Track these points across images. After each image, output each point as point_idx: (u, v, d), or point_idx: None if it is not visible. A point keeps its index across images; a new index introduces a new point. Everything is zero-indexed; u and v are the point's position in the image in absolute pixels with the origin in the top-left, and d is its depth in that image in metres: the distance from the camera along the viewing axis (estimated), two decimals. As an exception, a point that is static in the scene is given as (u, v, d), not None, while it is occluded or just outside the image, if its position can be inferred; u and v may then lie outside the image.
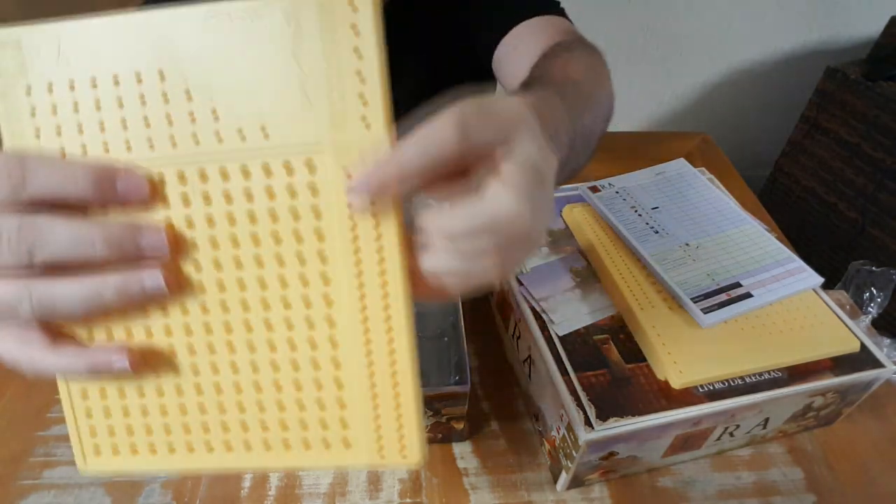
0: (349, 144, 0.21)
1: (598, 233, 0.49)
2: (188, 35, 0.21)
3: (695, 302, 0.41)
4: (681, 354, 0.39)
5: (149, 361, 0.23)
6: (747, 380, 0.38)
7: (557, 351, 0.39)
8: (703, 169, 0.57)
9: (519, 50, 0.51)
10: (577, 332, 0.41)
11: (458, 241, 0.21)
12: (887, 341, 0.46)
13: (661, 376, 0.38)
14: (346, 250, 0.22)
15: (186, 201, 0.22)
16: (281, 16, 0.20)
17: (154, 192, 0.22)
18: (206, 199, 0.22)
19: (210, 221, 0.22)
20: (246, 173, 0.21)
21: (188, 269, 0.22)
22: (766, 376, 0.38)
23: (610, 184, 0.54)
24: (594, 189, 0.53)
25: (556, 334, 0.40)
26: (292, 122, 0.21)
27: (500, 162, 0.20)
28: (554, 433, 0.39)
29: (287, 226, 0.22)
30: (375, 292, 0.22)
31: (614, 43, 1.37)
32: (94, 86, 0.21)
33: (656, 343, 0.39)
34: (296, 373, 0.23)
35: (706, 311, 0.41)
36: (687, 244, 0.47)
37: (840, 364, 0.39)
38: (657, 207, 0.51)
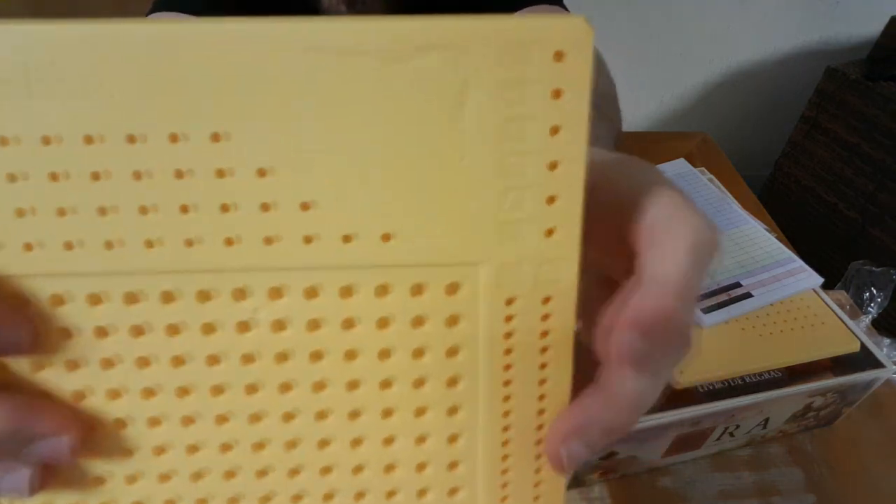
0: (519, 263, 0.14)
1: (598, 233, 0.49)
2: (271, 71, 0.12)
3: (695, 302, 0.41)
4: (681, 354, 0.39)
5: None
6: (747, 380, 0.38)
7: (557, 351, 0.39)
8: (703, 169, 0.57)
9: None
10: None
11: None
12: (887, 341, 0.46)
13: (661, 376, 0.38)
14: (489, 407, 0.15)
15: (244, 328, 0.14)
16: (437, 63, 0.12)
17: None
18: (278, 326, 0.15)
19: (282, 358, 0.15)
20: (347, 294, 0.14)
21: (236, 422, 0.15)
22: (766, 376, 0.38)
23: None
24: (594, 189, 0.53)
25: (556, 334, 0.40)
26: (433, 226, 0.14)
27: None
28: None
29: (404, 367, 0.15)
30: (525, 470, 0.16)
31: (614, 43, 1.37)
32: (90, 142, 0.13)
33: (656, 343, 0.39)
34: None
35: (706, 311, 0.41)
36: (687, 244, 0.47)
37: (840, 364, 0.39)
38: (657, 207, 0.51)
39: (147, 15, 0.45)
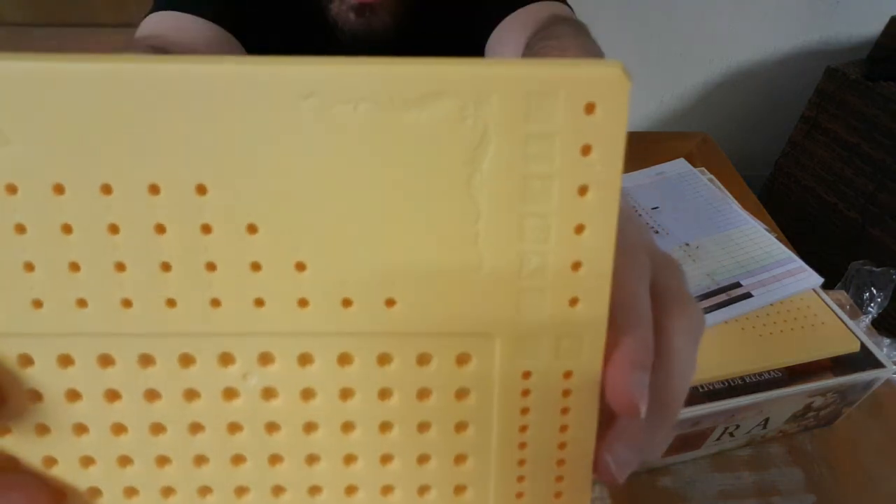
0: (539, 335, 0.13)
1: (598, 233, 0.49)
2: (263, 118, 0.11)
3: (695, 302, 0.41)
4: (681, 354, 0.39)
5: None
6: (747, 380, 0.38)
7: (557, 351, 0.39)
8: (703, 169, 0.57)
9: (503, 41, 0.49)
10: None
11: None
12: (887, 341, 0.46)
13: (661, 376, 0.38)
14: (501, 485, 0.14)
15: (231, 395, 0.13)
16: (453, 112, 0.11)
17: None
18: (269, 394, 0.13)
19: (272, 428, 0.14)
20: (346, 362, 0.13)
21: (219, 495, 0.14)
22: (766, 376, 0.38)
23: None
24: (594, 189, 0.53)
25: (556, 334, 0.40)
26: (444, 293, 0.13)
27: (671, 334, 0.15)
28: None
29: (406, 440, 0.14)
30: None
31: (614, 43, 1.37)
32: (60, 191, 0.12)
33: (656, 343, 0.39)
34: None
35: (706, 311, 0.41)
36: (687, 244, 0.47)
37: (840, 364, 0.39)
38: (657, 207, 0.51)
39: (149, 14, 0.45)
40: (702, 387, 0.37)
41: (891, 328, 0.49)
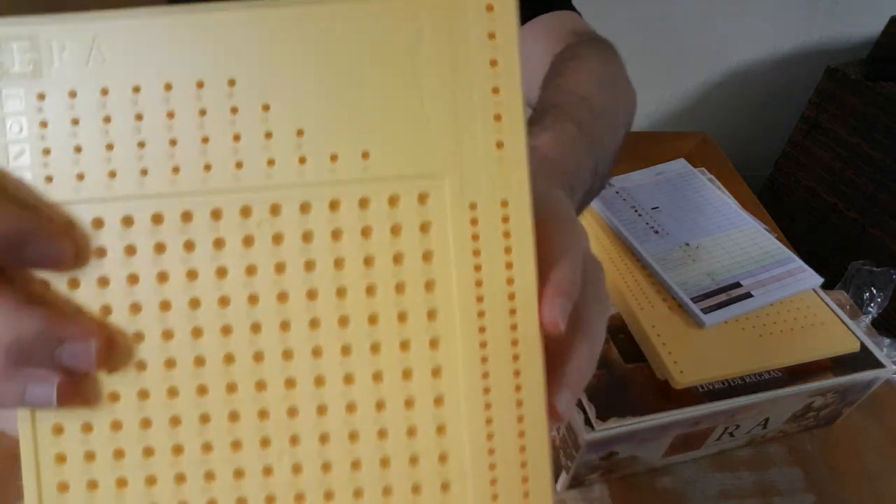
0: (476, 173, 0.17)
1: (597, 233, 0.49)
2: (273, 40, 0.17)
3: (695, 302, 0.41)
4: (681, 354, 0.39)
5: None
6: (747, 380, 0.38)
7: (557, 351, 0.39)
8: (703, 169, 0.57)
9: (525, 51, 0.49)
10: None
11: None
12: (887, 341, 0.46)
13: (661, 376, 0.38)
14: (464, 308, 0.17)
15: (249, 242, 0.17)
16: (397, 20, 0.17)
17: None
18: (277, 239, 0.17)
19: (280, 268, 0.17)
20: (335, 207, 0.17)
21: (238, 333, 0.17)
22: (766, 376, 0.38)
23: (610, 184, 0.54)
24: (594, 189, 0.53)
25: (556, 334, 0.40)
26: (404, 146, 0.17)
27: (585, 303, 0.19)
28: (553, 433, 0.39)
29: (386, 272, 0.17)
30: (502, 356, 0.17)
31: (614, 43, 1.37)
32: (137, 91, 0.17)
33: (656, 343, 0.39)
34: (384, 470, 0.17)
35: (706, 311, 0.41)
36: (687, 244, 0.47)
37: (840, 364, 0.39)
38: (657, 207, 0.51)
39: None
40: (702, 387, 0.37)
41: (891, 328, 0.49)
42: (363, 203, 0.17)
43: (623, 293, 0.43)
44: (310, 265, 0.17)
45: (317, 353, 0.17)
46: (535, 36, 0.48)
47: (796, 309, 0.42)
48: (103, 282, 0.17)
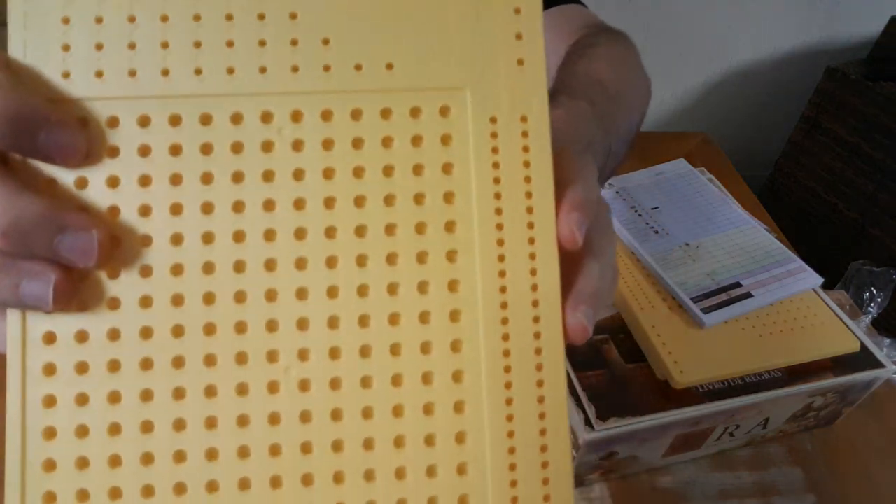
0: (497, 88, 0.17)
1: (598, 233, 0.49)
2: None
3: (695, 302, 0.41)
4: (681, 354, 0.39)
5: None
6: (747, 380, 0.38)
7: (557, 351, 0.39)
8: (703, 169, 0.57)
9: None
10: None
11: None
12: (887, 341, 0.46)
13: (661, 376, 0.38)
14: (483, 221, 0.17)
15: (268, 147, 0.17)
16: None
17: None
18: (297, 145, 0.17)
19: (299, 175, 0.17)
20: (357, 116, 0.17)
21: (251, 239, 0.17)
22: (766, 376, 0.38)
23: (610, 184, 0.54)
24: (594, 189, 0.53)
25: (556, 334, 0.40)
26: (428, 59, 0.17)
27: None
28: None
29: (405, 183, 0.17)
30: (520, 268, 0.17)
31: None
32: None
33: (656, 343, 0.39)
34: (397, 408, 0.17)
35: (706, 311, 0.41)
36: (687, 244, 0.47)
37: (840, 364, 0.39)
38: (657, 207, 0.51)
39: None
40: (702, 387, 0.37)
41: (891, 328, 0.49)
42: (385, 113, 0.17)
43: (623, 293, 0.43)
44: (329, 172, 0.17)
45: (331, 263, 0.17)
46: (547, 28, 0.48)
47: (796, 309, 0.42)
48: (113, 181, 0.16)
